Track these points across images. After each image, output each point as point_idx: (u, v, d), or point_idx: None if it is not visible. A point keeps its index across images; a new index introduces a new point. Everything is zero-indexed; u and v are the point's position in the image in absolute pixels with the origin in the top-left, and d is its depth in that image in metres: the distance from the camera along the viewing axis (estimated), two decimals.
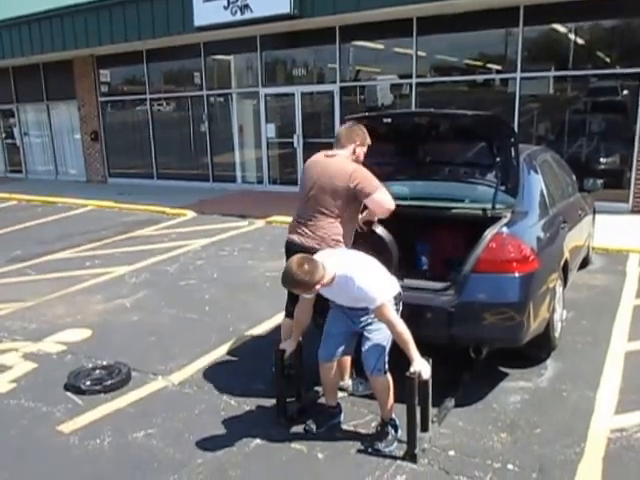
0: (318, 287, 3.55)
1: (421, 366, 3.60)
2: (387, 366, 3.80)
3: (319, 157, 4.46)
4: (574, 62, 11.07)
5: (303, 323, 4.08)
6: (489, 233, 4.38)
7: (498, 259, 4.30)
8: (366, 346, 3.81)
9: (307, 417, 4.14)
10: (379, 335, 3.78)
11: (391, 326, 3.64)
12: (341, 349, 3.95)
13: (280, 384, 4.15)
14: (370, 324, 3.81)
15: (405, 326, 3.62)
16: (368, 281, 3.61)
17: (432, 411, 3.95)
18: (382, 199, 4.20)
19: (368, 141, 4.47)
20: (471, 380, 4.67)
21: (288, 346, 4.09)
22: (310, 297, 3.90)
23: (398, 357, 3.74)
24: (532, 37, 11.36)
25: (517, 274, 4.27)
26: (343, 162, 4.31)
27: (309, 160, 4.54)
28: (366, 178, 4.20)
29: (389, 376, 3.81)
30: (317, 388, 4.46)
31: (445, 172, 5.19)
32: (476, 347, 4.52)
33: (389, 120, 4.99)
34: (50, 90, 18.43)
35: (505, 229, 4.41)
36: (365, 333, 3.83)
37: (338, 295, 3.79)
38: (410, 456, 3.68)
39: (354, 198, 4.23)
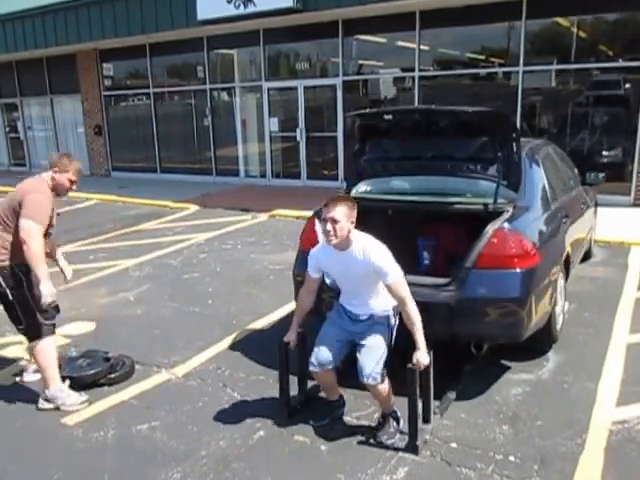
0: (345, 224, 3.55)
1: (423, 358, 3.60)
2: (385, 376, 3.72)
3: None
4: (577, 55, 11.05)
5: (305, 306, 4.02)
6: (490, 228, 4.38)
7: (499, 254, 4.29)
8: (362, 353, 3.72)
9: (310, 409, 4.17)
10: (376, 342, 3.73)
11: (403, 304, 3.62)
12: (333, 357, 3.83)
13: (283, 376, 4.16)
14: (367, 332, 3.77)
15: (416, 308, 3.62)
16: (385, 256, 3.64)
17: (434, 403, 3.98)
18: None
19: (72, 167, 4.36)
20: (473, 372, 4.69)
21: (290, 338, 4.05)
22: (317, 277, 3.91)
23: (399, 349, 3.77)
24: (535, 30, 11.34)
25: (518, 269, 4.26)
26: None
27: None
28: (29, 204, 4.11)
29: (387, 382, 3.75)
30: None
31: (446, 167, 5.16)
32: (477, 343, 4.54)
33: (390, 117, 5.00)
34: (53, 84, 18.46)
35: (506, 224, 4.41)
36: (361, 341, 3.76)
37: (351, 269, 3.71)
38: (412, 448, 3.69)
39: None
